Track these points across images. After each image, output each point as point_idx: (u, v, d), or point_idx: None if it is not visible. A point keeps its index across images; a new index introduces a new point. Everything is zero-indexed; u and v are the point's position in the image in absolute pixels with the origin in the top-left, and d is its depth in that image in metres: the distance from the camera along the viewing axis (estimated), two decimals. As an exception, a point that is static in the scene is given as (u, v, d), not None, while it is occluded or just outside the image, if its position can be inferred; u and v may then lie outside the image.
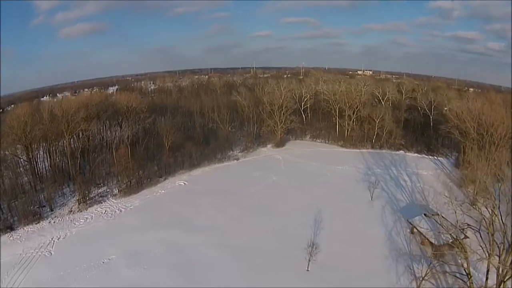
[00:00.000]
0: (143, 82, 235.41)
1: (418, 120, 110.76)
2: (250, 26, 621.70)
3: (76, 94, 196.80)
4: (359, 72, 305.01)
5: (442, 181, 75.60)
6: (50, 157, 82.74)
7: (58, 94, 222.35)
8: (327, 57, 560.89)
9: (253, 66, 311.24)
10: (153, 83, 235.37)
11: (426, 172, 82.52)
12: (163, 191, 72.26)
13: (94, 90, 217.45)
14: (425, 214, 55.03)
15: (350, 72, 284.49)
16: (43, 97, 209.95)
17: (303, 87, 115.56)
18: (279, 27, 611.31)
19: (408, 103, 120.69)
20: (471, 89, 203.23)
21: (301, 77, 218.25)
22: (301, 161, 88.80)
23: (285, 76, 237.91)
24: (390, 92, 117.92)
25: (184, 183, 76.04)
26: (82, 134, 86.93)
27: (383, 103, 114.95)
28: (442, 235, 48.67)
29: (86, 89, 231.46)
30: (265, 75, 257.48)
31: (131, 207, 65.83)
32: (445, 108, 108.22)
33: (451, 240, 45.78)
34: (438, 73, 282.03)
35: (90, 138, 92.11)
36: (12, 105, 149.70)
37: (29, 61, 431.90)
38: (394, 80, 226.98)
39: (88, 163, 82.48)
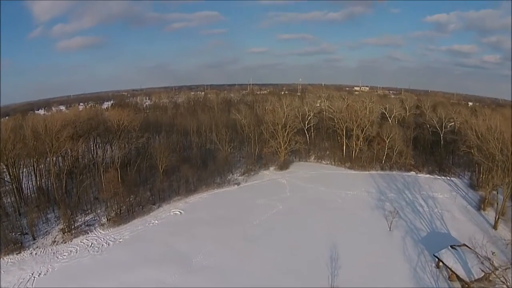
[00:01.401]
0: (138, 98, 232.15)
1: (427, 138, 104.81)
2: (247, 42, 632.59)
3: (70, 107, 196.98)
4: (356, 88, 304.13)
5: (459, 204, 71.47)
6: (35, 177, 75.94)
7: (53, 108, 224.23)
8: (323, 73, 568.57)
9: (249, 83, 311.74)
10: (148, 99, 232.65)
11: (442, 195, 76.78)
12: (156, 222, 64.47)
13: (89, 104, 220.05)
14: (451, 246, 49.72)
15: (347, 88, 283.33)
16: (38, 110, 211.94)
17: (306, 104, 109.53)
18: (275, 43, 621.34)
19: (415, 120, 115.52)
20: (470, 103, 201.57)
21: (299, 93, 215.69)
22: (308, 186, 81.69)
23: (282, 92, 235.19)
24: (396, 109, 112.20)
25: (180, 212, 68.40)
26: (68, 153, 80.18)
27: (390, 120, 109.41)
28: (472, 269, 44.36)
29: (81, 103, 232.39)
30: (263, 92, 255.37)
31: (121, 240, 58.12)
32: (450, 125, 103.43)
33: (482, 275, 43.31)
34: (434, 87, 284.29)
35: (79, 158, 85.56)
36: (7, 117, 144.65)
37: (27, 72, 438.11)
38: (393, 96, 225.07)
39: (76, 185, 74.98)
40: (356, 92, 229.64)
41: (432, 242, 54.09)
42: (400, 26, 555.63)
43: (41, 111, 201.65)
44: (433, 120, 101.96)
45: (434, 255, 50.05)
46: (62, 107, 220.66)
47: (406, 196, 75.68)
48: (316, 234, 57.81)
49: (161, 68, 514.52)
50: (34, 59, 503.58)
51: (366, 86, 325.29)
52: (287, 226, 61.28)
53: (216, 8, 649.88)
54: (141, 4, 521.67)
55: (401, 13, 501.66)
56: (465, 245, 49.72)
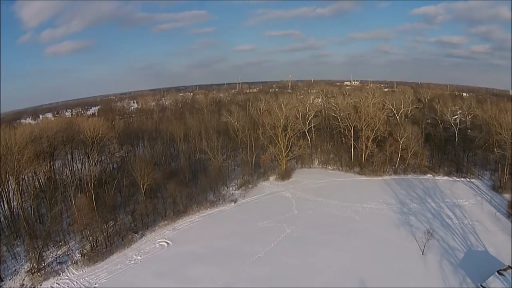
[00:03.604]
0: (125, 102, 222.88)
1: (440, 136, 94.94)
2: (235, 40, 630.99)
3: (58, 115, 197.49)
4: (347, 83, 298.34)
5: (487, 212, 62.91)
6: (2, 204, 66.10)
7: (40, 116, 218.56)
8: (312, 69, 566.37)
9: (238, 82, 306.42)
10: (135, 103, 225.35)
11: (467, 201, 67.65)
12: (139, 258, 52.59)
13: (76, 111, 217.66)
14: (498, 272, 41.96)
15: (338, 83, 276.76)
16: (25, 119, 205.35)
17: (306, 103, 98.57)
18: (263, 40, 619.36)
19: (425, 115, 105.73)
20: (464, 94, 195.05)
21: (289, 90, 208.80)
22: (316, 199, 70.57)
23: (271, 90, 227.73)
24: (404, 105, 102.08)
25: (168, 243, 56.45)
26: (36, 174, 70.20)
27: (397, 117, 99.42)
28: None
29: (68, 110, 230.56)
30: (252, 90, 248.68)
31: (96, 285, 46.62)
32: (454, 117, 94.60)
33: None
34: (423, 79, 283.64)
35: (55, 176, 74.49)
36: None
37: (16, 79, 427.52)
38: (385, 90, 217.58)
39: (49, 210, 63.62)
40: (348, 87, 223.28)
41: (472, 265, 45.65)
42: (388, 20, 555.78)
43: (28, 120, 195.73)
44: (447, 115, 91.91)
45: (481, 285, 41.39)
46: (49, 115, 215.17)
47: (430, 206, 65.80)
48: (337, 267, 46.93)
49: (149, 70, 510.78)
50: (23, 65, 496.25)
51: (356, 81, 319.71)
52: (300, 259, 49.70)
53: (204, 7, 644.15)
54: (129, 5, 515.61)
55: (389, 7, 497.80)
56: (510, 267, 42.84)
